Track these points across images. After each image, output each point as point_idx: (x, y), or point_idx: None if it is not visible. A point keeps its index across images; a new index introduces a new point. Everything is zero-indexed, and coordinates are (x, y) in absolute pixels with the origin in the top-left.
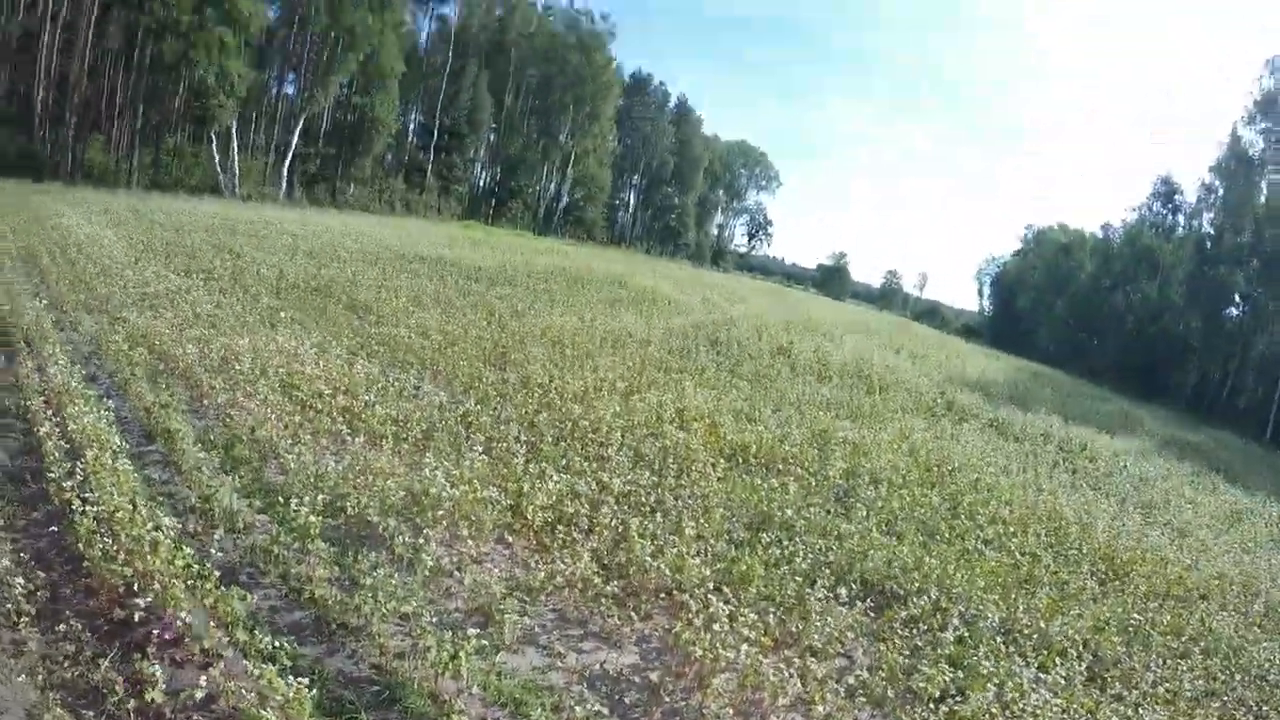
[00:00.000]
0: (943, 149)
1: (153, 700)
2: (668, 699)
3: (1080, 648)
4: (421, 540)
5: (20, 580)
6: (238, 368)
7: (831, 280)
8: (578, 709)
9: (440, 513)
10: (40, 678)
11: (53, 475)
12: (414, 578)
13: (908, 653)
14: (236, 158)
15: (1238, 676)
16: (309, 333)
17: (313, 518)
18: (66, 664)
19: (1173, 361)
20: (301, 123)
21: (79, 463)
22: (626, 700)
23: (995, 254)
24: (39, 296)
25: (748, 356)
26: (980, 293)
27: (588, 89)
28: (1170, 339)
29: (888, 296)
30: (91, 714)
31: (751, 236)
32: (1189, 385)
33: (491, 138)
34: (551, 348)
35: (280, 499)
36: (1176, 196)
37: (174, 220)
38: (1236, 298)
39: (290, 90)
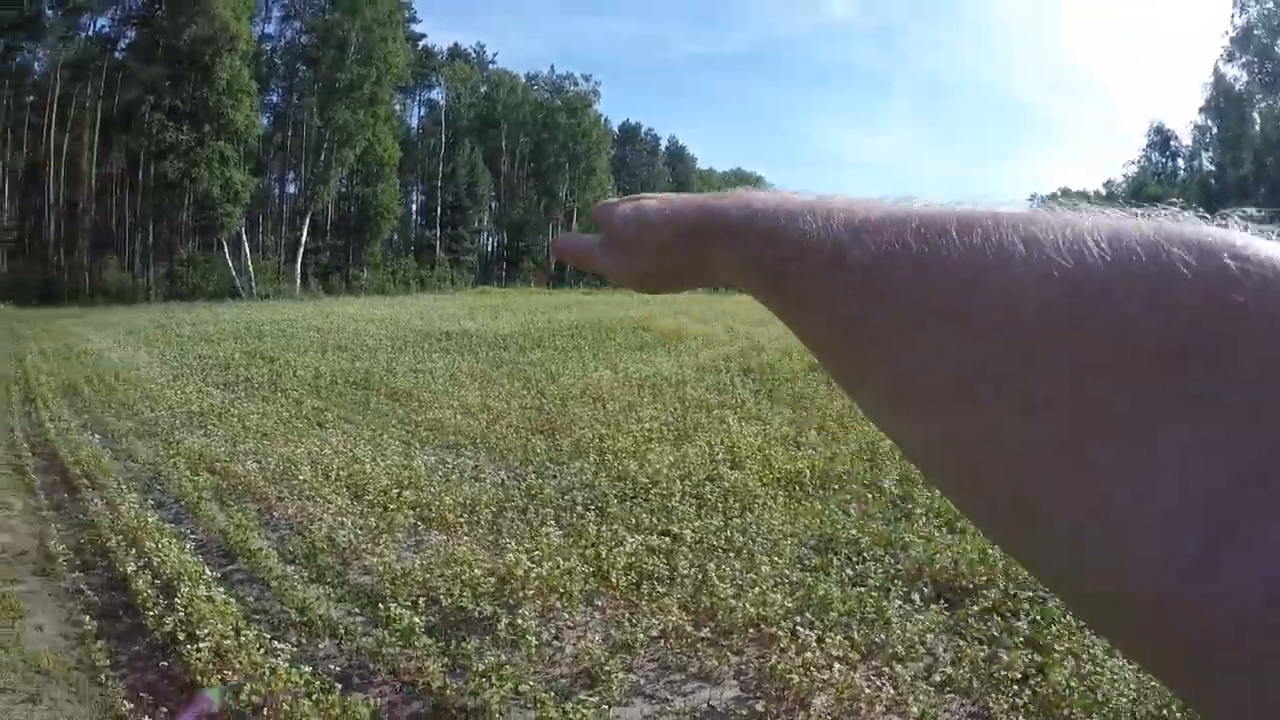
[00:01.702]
0: (929, 140)
1: None
2: None
3: None
4: (519, 620)
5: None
6: (300, 476)
7: None
8: None
9: (530, 591)
10: None
11: (151, 611)
12: (519, 654)
13: (986, 643)
14: (249, 259)
15: None
16: (359, 429)
17: (415, 619)
18: None
19: None
20: (308, 219)
21: (177, 598)
22: None
23: None
24: (88, 429)
25: (783, 380)
26: None
27: (580, 146)
28: None
29: None
30: None
31: None
32: None
33: (494, 205)
34: (593, 404)
35: (370, 600)
36: (1172, 142)
37: (200, 331)
38: None
39: (293, 189)
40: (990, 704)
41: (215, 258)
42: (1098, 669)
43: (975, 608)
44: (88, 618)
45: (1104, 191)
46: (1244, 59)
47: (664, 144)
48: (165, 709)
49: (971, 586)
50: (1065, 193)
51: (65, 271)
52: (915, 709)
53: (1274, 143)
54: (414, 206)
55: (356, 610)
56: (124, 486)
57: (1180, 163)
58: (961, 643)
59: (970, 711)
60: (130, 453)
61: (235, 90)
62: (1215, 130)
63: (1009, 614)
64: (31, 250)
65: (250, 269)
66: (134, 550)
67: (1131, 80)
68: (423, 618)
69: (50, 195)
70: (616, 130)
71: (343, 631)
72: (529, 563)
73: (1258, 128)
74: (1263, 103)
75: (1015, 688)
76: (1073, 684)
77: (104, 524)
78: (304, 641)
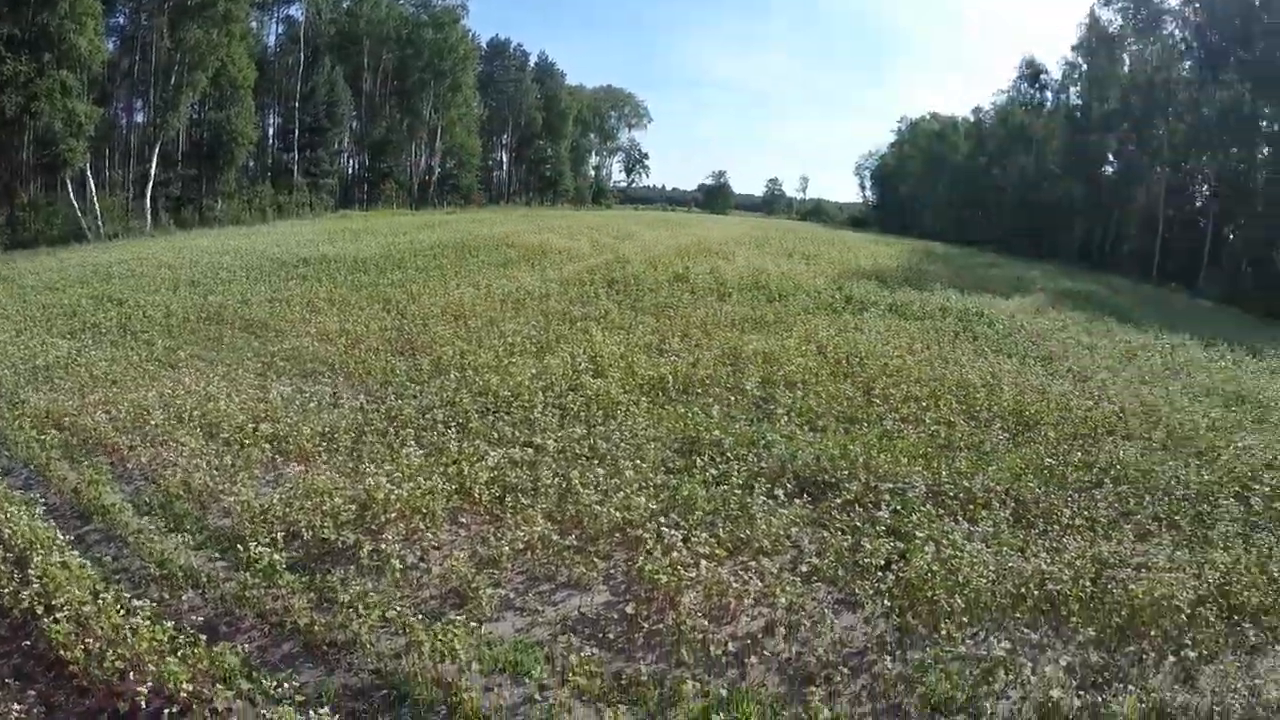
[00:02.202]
0: (803, 62)
1: None
2: (645, 625)
3: (1003, 497)
4: (382, 545)
5: (15, 706)
6: (152, 422)
7: (714, 198)
8: (571, 657)
9: (392, 514)
10: None
11: (6, 588)
12: (384, 580)
13: (849, 533)
14: (95, 198)
15: (1148, 497)
16: (212, 366)
17: (276, 556)
18: None
19: (1056, 223)
20: (157, 149)
21: (30, 569)
22: (610, 635)
23: (872, 149)
24: None
25: (647, 290)
26: (862, 186)
27: (446, 63)
28: (1051, 204)
29: (771, 204)
30: None
31: (629, 171)
32: (1075, 242)
33: (355, 125)
34: (455, 323)
35: (231, 543)
36: (1043, 76)
37: (44, 279)
38: (1110, 157)
39: (141, 119)
40: (856, 590)
41: (58, 199)
42: (958, 553)
43: (838, 500)
44: None
45: (971, 118)
46: (1119, 4)
47: (533, 60)
48: (33, 690)
49: (834, 481)
50: (934, 116)
51: None
52: (783, 600)
53: (1140, 83)
54: (270, 130)
55: (218, 555)
56: None
57: (1049, 95)
58: (825, 534)
59: (837, 599)
60: None
61: (78, 13)
62: (1085, 68)
63: (870, 505)
64: None
65: (97, 208)
66: None
67: (1006, 15)
68: (284, 554)
69: None
70: (484, 46)
71: (205, 580)
72: (389, 485)
73: (1126, 68)
74: (1134, 45)
75: (879, 574)
76: (934, 568)
77: None
78: (166, 596)
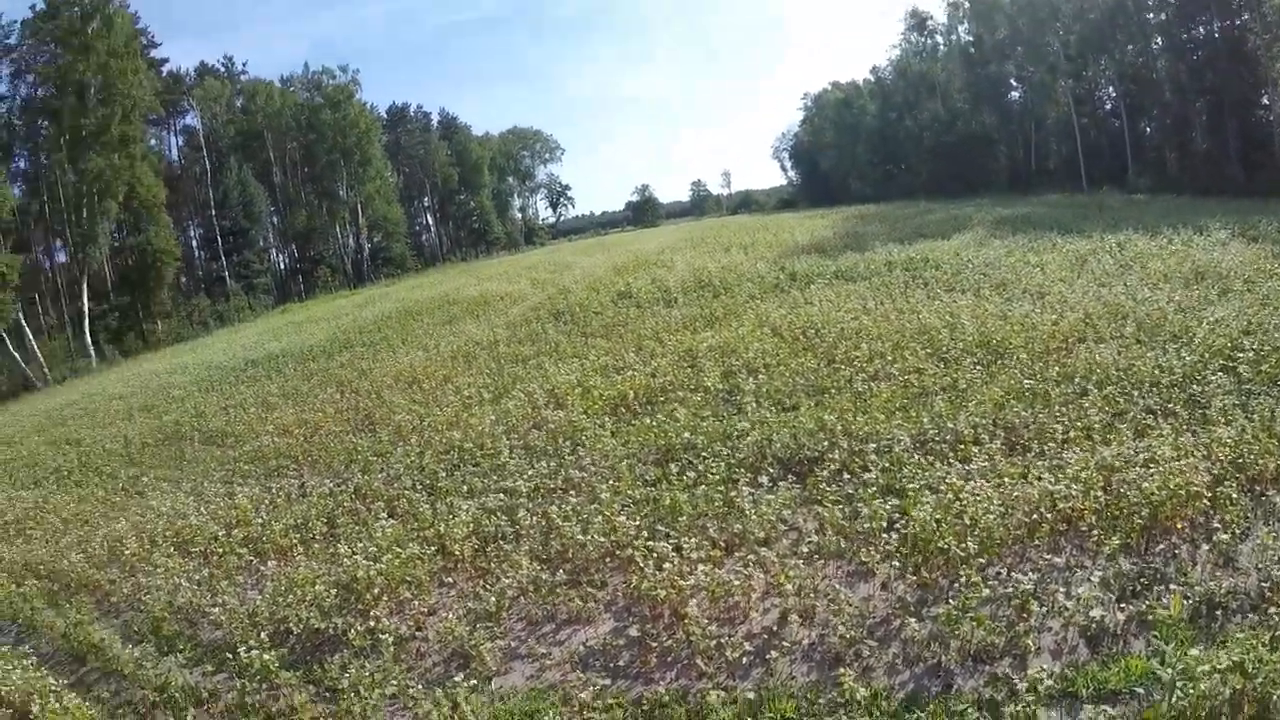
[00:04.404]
0: (696, 66)
1: None
2: (655, 644)
3: (991, 430)
4: (372, 623)
5: None
6: (127, 551)
7: (643, 213)
8: (583, 693)
9: (377, 590)
10: None
11: None
12: (384, 657)
13: (843, 503)
14: (35, 345)
15: (1135, 393)
16: (177, 485)
17: (266, 656)
18: None
19: (978, 158)
20: (85, 284)
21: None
22: (621, 661)
23: (785, 130)
24: None
25: (593, 314)
26: (784, 168)
27: (350, 139)
28: (968, 140)
29: (700, 206)
30: None
31: (555, 205)
32: (1001, 173)
33: (275, 220)
34: (409, 388)
35: (227, 653)
36: (929, 22)
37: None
38: (1013, 83)
39: (63, 257)
40: (864, 558)
41: None
42: (958, 497)
43: (824, 473)
44: None
45: (872, 79)
46: None
47: (435, 119)
48: None
49: (816, 455)
50: (835, 85)
51: None
52: (790, 585)
53: (1023, 5)
54: (194, 242)
55: (213, 669)
56: None
57: (939, 39)
58: (820, 509)
59: (848, 572)
60: None
61: None
62: (968, 5)
63: (858, 470)
64: None
65: (39, 355)
66: None
67: None
68: (278, 652)
69: None
70: (384, 115)
71: (206, 695)
72: (367, 562)
73: None
74: None
75: (884, 537)
76: (938, 516)
77: None
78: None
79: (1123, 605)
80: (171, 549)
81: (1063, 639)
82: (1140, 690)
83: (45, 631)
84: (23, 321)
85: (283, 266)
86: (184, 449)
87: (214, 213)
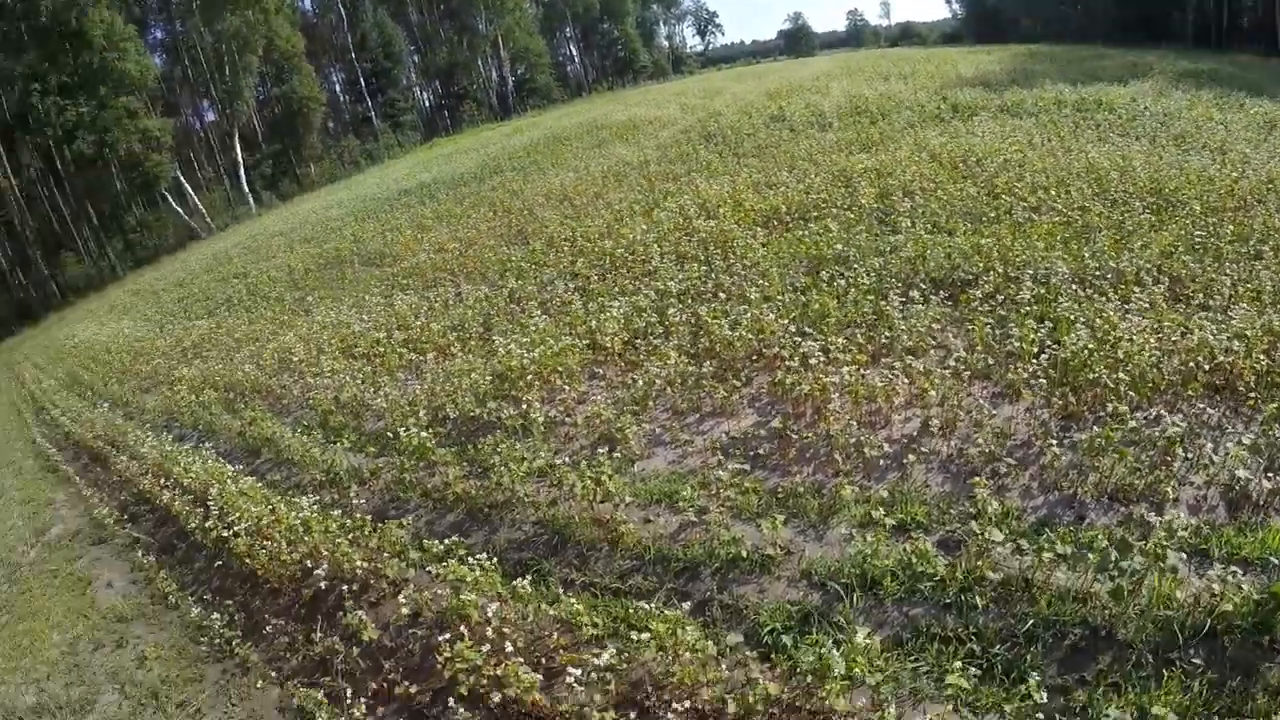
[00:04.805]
0: None
1: (370, 639)
2: (796, 437)
3: (1155, 274)
4: (524, 408)
5: (215, 615)
6: (296, 359)
7: (797, 42)
8: (722, 474)
9: (530, 378)
10: (275, 674)
11: (193, 525)
12: (533, 439)
13: (995, 324)
14: (195, 199)
15: None
16: (340, 301)
17: (424, 434)
18: (288, 654)
19: (1166, 6)
20: (236, 138)
21: (210, 503)
22: (761, 452)
23: None
24: (96, 406)
25: (745, 136)
26: (949, 0)
27: None
28: None
29: (856, 36)
30: (328, 679)
31: (702, 33)
32: (1189, 25)
33: (416, 59)
34: (560, 205)
35: (391, 435)
36: None
37: (173, 279)
38: None
39: (211, 115)
40: (1010, 378)
41: (164, 212)
42: (1113, 331)
43: (977, 294)
44: (149, 558)
45: None
46: None
47: None
48: (231, 601)
49: (969, 277)
50: None
51: (30, 288)
52: (935, 395)
53: None
54: (337, 86)
55: (376, 453)
56: (142, 435)
57: None
58: (970, 328)
59: (993, 391)
60: (140, 406)
61: (116, 42)
62: None
63: (1012, 296)
64: None
65: (201, 207)
66: (167, 482)
67: None
68: (434, 430)
69: None
70: None
71: (368, 475)
72: (521, 352)
73: None
74: None
75: (1033, 363)
76: (1090, 346)
77: (134, 474)
78: (336, 497)
79: (1270, 474)
80: (337, 354)
81: (1202, 496)
82: (1275, 561)
83: (223, 433)
84: (181, 179)
85: (427, 103)
86: (344, 271)
87: (354, 56)
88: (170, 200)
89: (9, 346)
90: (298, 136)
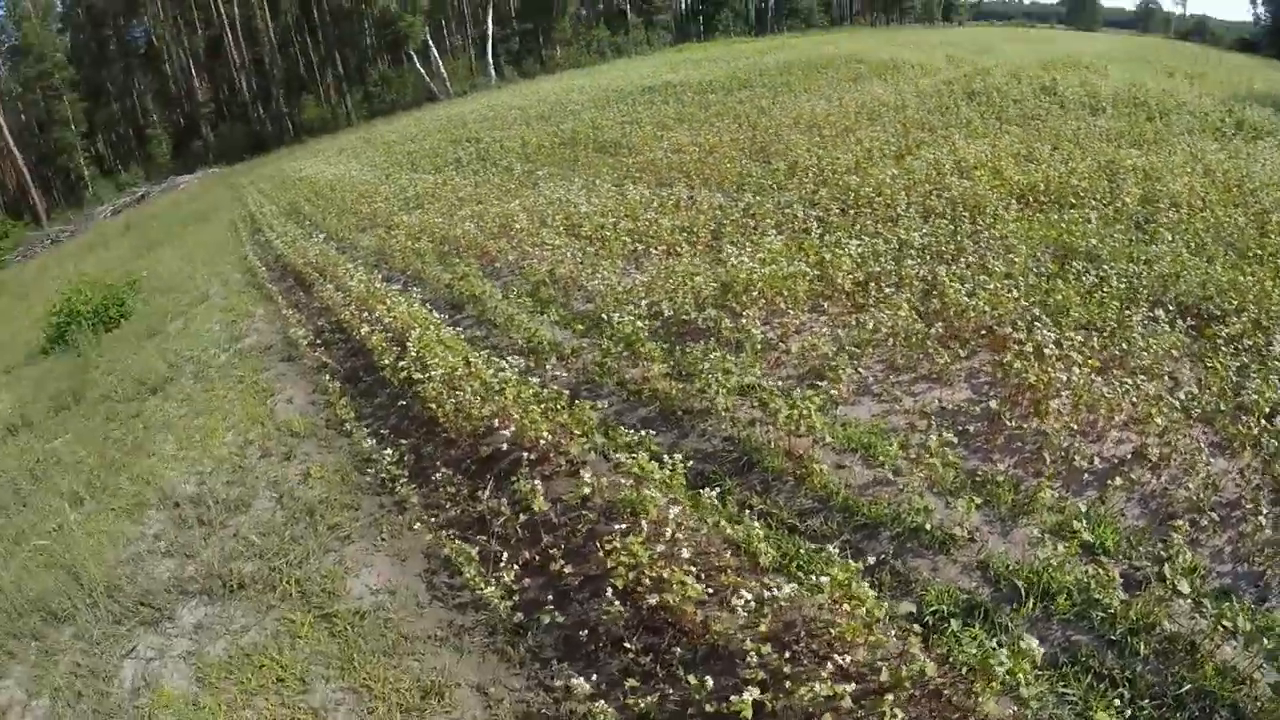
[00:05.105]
0: None
1: (538, 510)
2: (1008, 424)
3: None
4: (743, 323)
5: (387, 451)
6: (517, 227)
7: (1080, 13)
8: (932, 440)
9: (754, 293)
10: (432, 521)
11: (385, 363)
12: (745, 355)
13: (1234, 371)
14: (440, 63)
15: None
16: (570, 180)
17: (638, 323)
18: (449, 505)
19: None
20: (490, 10)
21: (408, 344)
22: (969, 430)
23: None
24: (312, 236)
25: (1011, 102)
26: (1253, 1)
27: None
28: None
29: (1145, 19)
30: (483, 538)
31: None
32: None
33: None
34: (808, 132)
35: (599, 319)
36: None
37: (404, 134)
38: None
39: None
40: (1232, 434)
41: (406, 70)
42: None
43: (1224, 333)
44: (334, 383)
45: None
46: None
47: None
48: (405, 441)
49: (1219, 313)
50: None
51: (267, 121)
52: (1158, 423)
53: None
54: None
55: (581, 331)
56: (352, 269)
57: None
58: (1209, 365)
59: (1211, 441)
60: (354, 243)
61: None
62: None
63: (1260, 344)
64: (231, 113)
65: (443, 72)
66: (368, 316)
67: None
68: (646, 323)
69: (235, 59)
70: None
71: (569, 352)
72: (752, 265)
73: None
74: None
75: (1263, 420)
76: None
77: (337, 304)
78: (532, 365)
79: None
80: (560, 229)
81: None
82: None
83: (431, 282)
84: (429, 42)
85: (684, 6)
86: (578, 154)
87: None
88: (415, 60)
89: (238, 171)
90: (549, 18)
